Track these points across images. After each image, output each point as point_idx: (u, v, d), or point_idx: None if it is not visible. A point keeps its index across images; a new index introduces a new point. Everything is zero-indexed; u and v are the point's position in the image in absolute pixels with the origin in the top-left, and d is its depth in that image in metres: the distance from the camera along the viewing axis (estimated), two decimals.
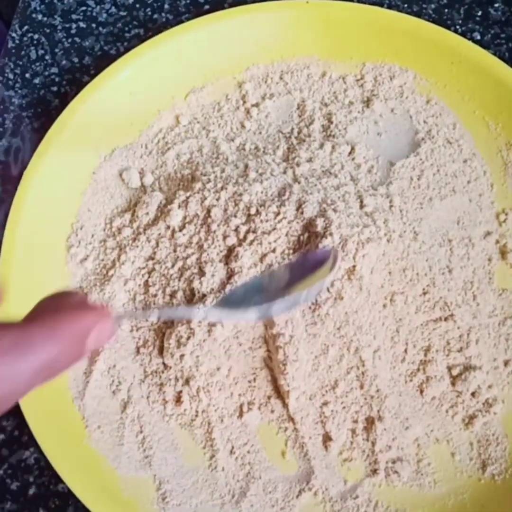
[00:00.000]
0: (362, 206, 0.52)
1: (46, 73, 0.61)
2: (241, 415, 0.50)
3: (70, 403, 0.50)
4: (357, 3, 0.61)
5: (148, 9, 0.63)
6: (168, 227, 0.53)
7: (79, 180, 0.56)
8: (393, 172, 0.56)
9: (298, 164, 0.54)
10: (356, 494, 0.48)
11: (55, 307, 0.35)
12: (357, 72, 0.59)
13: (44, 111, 0.60)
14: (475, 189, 0.56)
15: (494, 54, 0.59)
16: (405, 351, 0.51)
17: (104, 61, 0.59)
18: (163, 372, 0.50)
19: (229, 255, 0.51)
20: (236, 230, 0.51)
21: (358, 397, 0.49)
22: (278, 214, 0.50)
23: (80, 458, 0.48)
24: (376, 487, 0.49)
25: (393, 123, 0.58)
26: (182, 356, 0.49)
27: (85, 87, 0.56)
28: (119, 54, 0.60)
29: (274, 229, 0.50)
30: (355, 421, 0.49)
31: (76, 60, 0.62)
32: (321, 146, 0.56)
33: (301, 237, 0.50)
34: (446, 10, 0.63)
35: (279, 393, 0.50)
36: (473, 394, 0.50)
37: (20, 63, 0.61)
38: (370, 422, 0.49)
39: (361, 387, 0.49)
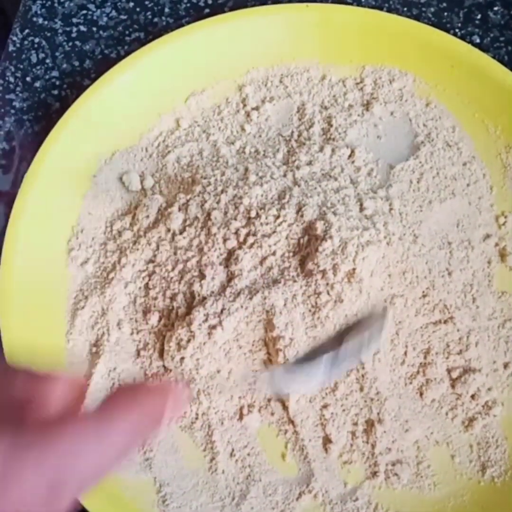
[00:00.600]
0: (361, 209, 0.52)
1: (47, 76, 0.61)
2: (241, 417, 0.50)
3: None
4: (357, 7, 0.61)
5: (149, 13, 0.64)
6: (169, 230, 0.53)
7: (79, 183, 0.56)
8: (392, 175, 0.56)
9: (298, 167, 0.54)
10: (356, 497, 0.48)
11: None
12: (357, 75, 0.60)
13: (45, 114, 0.60)
14: (474, 192, 0.56)
15: (494, 57, 0.59)
16: (405, 353, 0.51)
17: (104, 64, 0.60)
18: (163, 374, 0.50)
19: (229, 258, 0.51)
20: (236, 233, 0.51)
21: (358, 399, 0.50)
22: (278, 217, 0.50)
23: None
24: (376, 489, 0.49)
25: (392, 126, 0.59)
26: (182, 359, 0.49)
27: (86, 90, 0.56)
28: (119, 58, 0.60)
29: (274, 232, 0.50)
30: (355, 424, 0.50)
31: (76, 63, 0.62)
32: (321, 149, 0.56)
33: (301, 240, 0.50)
34: (445, 14, 0.63)
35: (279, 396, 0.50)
36: (472, 396, 0.50)
37: (21, 66, 0.62)
38: (370, 425, 0.49)
39: (361, 389, 0.50)
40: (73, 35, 0.63)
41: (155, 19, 0.63)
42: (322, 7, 0.60)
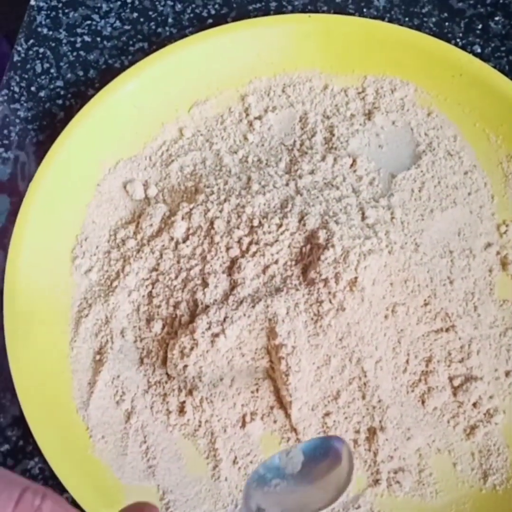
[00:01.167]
0: (363, 218, 0.52)
1: (51, 86, 0.62)
2: (244, 425, 0.50)
3: (74, 413, 0.50)
4: (359, 17, 0.62)
5: (152, 23, 0.64)
6: (172, 238, 0.53)
7: (83, 192, 0.56)
8: (394, 184, 0.56)
9: (300, 176, 0.55)
10: (358, 504, 0.49)
11: None
12: (359, 85, 0.60)
13: (49, 123, 0.60)
14: (475, 201, 0.56)
15: (495, 67, 0.59)
16: (407, 361, 0.51)
17: (108, 74, 0.60)
18: (166, 382, 0.51)
19: (232, 266, 0.51)
20: (239, 241, 0.51)
21: (360, 407, 0.50)
22: (280, 226, 0.50)
23: (84, 468, 0.49)
24: (378, 497, 0.49)
25: (394, 135, 0.59)
26: (185, 366, 0.49)
27: (90, 100, 0.57)
28: (123, 68, 0.60)
29: (277, 240, 0.50)
30: (357, 432, 0.50)
31: (81, 73, 0.62)
32: (323, 158, 0.56)
33: (303, 249, 0.50)
34: (446, 24, 0.64)
35: (282, 404, 0.50)
36: (474, 404, 0.50)
37: (26, 76, 0.62)
38: (372, 433, 0.50)
39: (363, 397, 0.50)
40: (78, 45, 0.63)
41: (159, 30, 0.64)
42: (324, 17, 0.60)
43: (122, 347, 0.52)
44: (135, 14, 0.65)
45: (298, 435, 0.50)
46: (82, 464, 0.49)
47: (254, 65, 0.60)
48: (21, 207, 0.53)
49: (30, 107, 0.61)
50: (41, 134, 0.60)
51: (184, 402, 0.50)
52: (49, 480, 0.50)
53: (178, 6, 0.65)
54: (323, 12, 0.64)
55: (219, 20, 0.64)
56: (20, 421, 0.50)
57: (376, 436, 0.49)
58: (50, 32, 0.64)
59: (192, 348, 0.49)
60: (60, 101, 0.61)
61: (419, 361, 0.51)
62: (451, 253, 0.54)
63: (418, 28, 0.63)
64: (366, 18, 0.62)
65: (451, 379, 0.51)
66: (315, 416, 0.50)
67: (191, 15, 0.64)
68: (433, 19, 0.64)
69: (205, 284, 0.51)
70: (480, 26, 0.64)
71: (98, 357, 0.52)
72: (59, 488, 0.49)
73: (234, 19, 0.63)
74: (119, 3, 0.65)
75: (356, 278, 0.48)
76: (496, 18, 0.64)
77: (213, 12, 0.64)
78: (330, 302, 0.48)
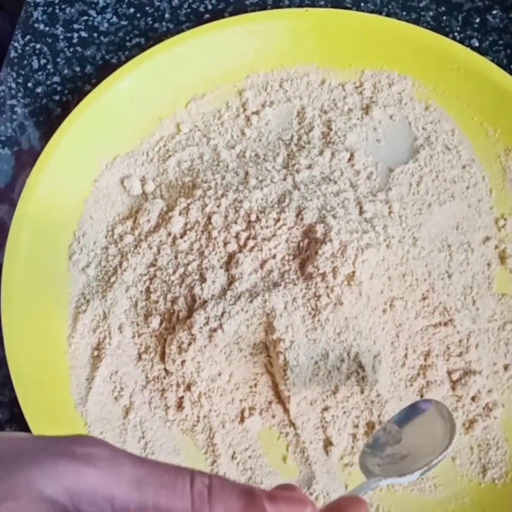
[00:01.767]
0: (361, 212, 0.52)
1: (48, 82, 0.62)
2: (242, 420, 0.50)
3: (72, 409, 0.50)
4: (356, 11, 0.62)
5: (149, 19, 0.64)
6: (169, 234, 0.53)
7: (81, 187, 0.56)
8: (392, 178, 0.56)
9: (297, 171, 0.55)
10: None
11: None
12: (356, 80, 0.60)
13: (46, 119, 0.60)
14: (474, 195, 0.56)
15: (492, 60, 0.59)
16: (405, 356, 0.51)
17: (105, 70, 0.60)
18: (164, 378, 0.51)
19: (230, 261, 0.51)
20: (237, 236, 0.51)
21: (359, 402, 0.50)
22: (278, 220, 0.50)
23: None
24: (377, 491, 0.49)
25: (392, 129, 0.59)
26: (183, 362, 0.49)
27: (87, 95, 0.56)
28: (120, 63, 0.60)
29: (274, 235, 0.50)
30: (356, 426, 0.50)
31: (78, 69, 0.62)
32: (321, 153, 0.56)
33: (301, 243, 0.50)
34: (444, 18, 0.63)
35: (280, 399, 0.50)
36: (473, 398, 0.50)
37: (23, 72, 0.62)
38: (370, 427, 0.49)
39: (362, 392, 0.50)
40: (74, 41, 0.63)
41: (156, 25, 0.64)
42: (321, 12, 0.60)
43: (120, 343, 0.52)
44: (132, 10, 0.64)
45: (297, 430, 0.50)
46: None
47: (252, 60, 0.60)
48: (19, 203, 0.53)
49: (27, 103, 0.61)
50: (38, 130, 0.60)
51: (182, 397, 0.50)
52: None
53: (175, 1, 0.65)
54: (320, 6, 0.63)
55: (216, 15, 0.63)
56: (18, 417, 0.50)
57: (375, 431, 0.49)
58: (47, 28, 0.64)
59: (190, 343, 0.49)
60: (57, 97, 0.61)
61: (418, 355, 0.51)
62: (449, 247, 0.54)
63: (416, 22, 0.63)
64: (364, 12, 0.62)
65: (449, 373, 0.51)
66: (314, 410, 0.49)
67: (188, 10, 0.64)
68: (431, 13, 0.64)
69: (202, 279, 0.51)
70: (477, 20, 0.63)
71: (96, 353, 0.52)
72: None
73: (231, 14, 0.63)
74: None
75: (353, 272, 0.48)
76: (494, 12, 0.64)
77: (210, 7, 0.64)
78: (328, 296, 0.48)
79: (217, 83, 0.60)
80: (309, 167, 0.55)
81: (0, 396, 0.52)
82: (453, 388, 0.51)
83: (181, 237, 0.53)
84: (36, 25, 0.64)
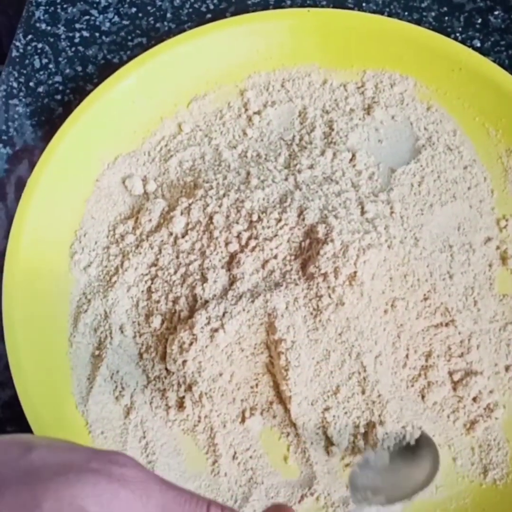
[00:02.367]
0: (363, 212, 0.52)
1: (50, 81, 0.62)
2: (243, 420, 0.50)
3: (73, 408, 0.50)
4: (358, 12, 0.62)
5: (151, 18, 0.64)
6: (171, 233, 0.53)
7: (82, 187, 0.56)
8: (393, 179, 0.56)
9: (299, 171, 0.55)
10: None
11: None
12: (358, 80, 0.60)
13: (48, 119, 0.60)
14: (475, 195, 0.56)
15: (494, 61, 0.59)
16: (407, 356, 0.51)
17: (107, 69, 0.60)
18: (165, 377, 0.51)
19: (231, 261, 0.51)
20: (238, 236, 0.51)
21: (360, 402, 0.50)
22: (279, 220, 0.50)
23: None
24: None
25: (393, 130, 0.59)
26: (184, 362, 0.49)
27: (89, 95, 0.56)
28: (122, 63, 0.60)
29: (276, 235, 0.50)
30: (357, 426, 0.50)
31: (79, 68, 0.62)
32: (322, 153, 0.56)
33: (303, 244, 0.50)
34: (446, 18, 0.63)
35: (281, 399, 0.50)
36: (474, 399, 0.50)
37: (24, 72, 0.62)
38: (371, 427, 0.49)
39: (363, 392, 0.50)
40: (76, 40, 0.63)
41: (158, 25, 0.64)
42: (323, 12, 0.60)
43: (121, 343, 0.52)
44: (134, 9, 0.64)
45: (298, 430, 0.50)
46: None
47: (253, 60, 0.60)
48: (20, 202, 0.53)
49: (28, 102, 0.61)
50: (39, 129, 0.60)
51: (183, 397, 0.50)
52: None
53: (177, 1, 0.65)
54: (322, 6, 0.63)
55: (218, 15, 0.63)
56: (19, 417, 0.49)
57: (376, 431, 0.49)
58: (49, 28, 0.64)
59: (191, 343, 0.49)
60: (58, 97, 0.61)
61: (419, 355, 0.51)
62: (451, 247, 0.54)
63: (418, 22, 0.63)
64: (365, 13, 0.62)
65: (451, 373, 0.51)
66: (315, 411, 0.49)
67: (190, 10, 0.64)
68: (433, 13, 0.64)
69: (204, 279, 0.51)
70: (479, 20, 0.63)
71: (97, 352, 0.52)
72: None
73: (233, 14, 0.63)
74: None
75: (355, 272, 0.48)
76: (496, 12, 0.64)
77: (212, 7, 0.64)
78: (330, 296, 0.48)
79: (219, 83, 0.60)
80: (311, 167, 0.55)
81: (0, 395, 0.52)
82: (454, 389, 0.51)
83: (183, 237, 0.53)
84: (38, 24, 0.64)
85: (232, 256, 0.51)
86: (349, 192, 0.53)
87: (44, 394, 0.50)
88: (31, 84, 0.62)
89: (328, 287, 0.48)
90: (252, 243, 0.50)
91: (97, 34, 0.64)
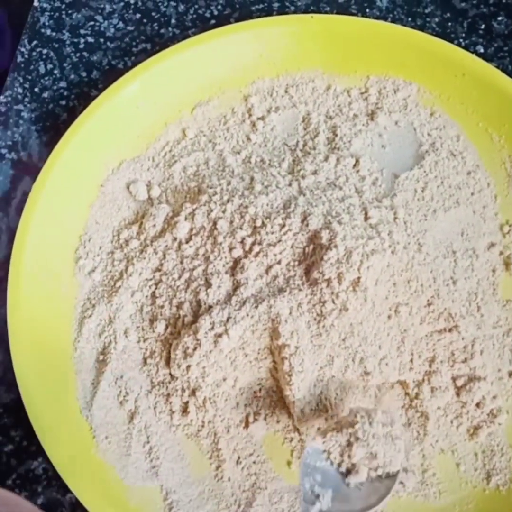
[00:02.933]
0: (366, 218, 0.52)
1: (55, 87, 0.62)
2: (247, 425, 0.50)
3: (78, 413, 0.51)
4: (361, 18, 0.62)
5: (155, 24, 0.64)
6: (175, 239, 0.53)
7: (87, 192, 0.57)
8: (397, 184, 0.56)
9: (303, 177, 0.55)
10: None
11: None
12: (362, 85, 0.60)
13: (53, 124, 0.61)
14: (479, 201, 0.56)
15: (497, 67, 0.59)
16: (411, 361, 0.51)
17: (112, 75, 0.60)
18: (169, 382, 0.51)
19: (235, 266, 0.51)
20: (242, 242, 0.51)
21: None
22: (283, 226, 0.50)
23: (88, 468, 0.49)
24: None
25: (397, 135, 0.59)
26: (188, 367, 0.49)
27: (93, 101, 0.57)
28: (126, 69, 0.60)
29: (280, 241, 0.50)
30: None
31: (84, 74, 0.63)
32: (326, 158, 0.56)
33: (306, 249, 0.50)
34: (449, 24, 0.64)
35: (285, 404, 0.50)
36: (477, 404, 0.50)
37: (29, 77, 0.62)
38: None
39: None
40: (81, 46, 0.64)
41: (162, 30, 0.64)
42: (327, 18, 0.60)
43: (126, 348, 0.52)
44: (138, 15, 0.65)
45: (301, 435, 0.50)
46: (86, 464, 0.49)
47: (257, 65, 0.60)
48: (25, 207, 0.54)
49: (33, 108, 0.61)
50: (44, 135, 0.60)
51: (187, 402, 0.50)
52: (53, 480, 0.51)
53: (181, 7, 0.65)
54: (326, 12, 0.64)
55: (222, 20, 0.64)
56: (23, 421, 0.50)
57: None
58: (54, 33, 0.64)
59: (195, 349, 0.49)
60: (63, 102, 0.62)
61: (422, 361, 0.51)
62: (454, 253, 0.54)
63: (421, 28, 0.63)
64: (369, 19, 0.62)
65: (454, 379, 0.51)
66: (318, 416, 0.49)
67: (194, 15, 0.65)
68: (436, 19, 0.64)
69: (208, 284, 0.51)
70: (483, 26, 0.64)
71: (101, 357, 0.52)
72: (62, 488, 0.50)
73: (237, 20, 0.63)
74: (122, 4, 0.65)
75: (359, 278, 0.48)
76: (499, 18, 0.64)
77: (216, 12, 0.65)
78: (333, 302, 0.48)
79: (222, 88, 0.60)
80: (315, 172, 0.55)
81: (5, 400, 0.52)
82: (458, 394, 0.51)
83: (187, 242, 0.53)
84: (42, 30, 0.64)
85: (236, 262, 0.51)
86: (353, 197, 0.54)
87: (48, 398, 0.50)
88: (36, 89, 0.62)
89: (332, 293, 0.48)
90: (256, 248, 0.51)
91: (101, 40, 0.64)
